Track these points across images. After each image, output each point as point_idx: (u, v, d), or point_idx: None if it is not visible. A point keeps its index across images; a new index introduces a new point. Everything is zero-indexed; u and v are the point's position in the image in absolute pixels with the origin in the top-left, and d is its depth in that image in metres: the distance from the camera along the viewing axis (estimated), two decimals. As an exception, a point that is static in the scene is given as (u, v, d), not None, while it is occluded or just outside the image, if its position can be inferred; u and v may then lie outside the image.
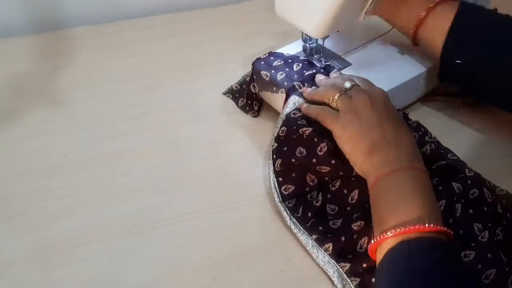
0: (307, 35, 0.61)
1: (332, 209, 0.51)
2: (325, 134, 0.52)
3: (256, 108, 0.63)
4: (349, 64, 0.63)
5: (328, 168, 0.51)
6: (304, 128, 0.53)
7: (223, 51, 0.76)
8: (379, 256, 0.41)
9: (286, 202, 0.51)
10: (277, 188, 0.52)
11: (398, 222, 0.40)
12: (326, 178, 0.52)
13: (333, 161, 0.51)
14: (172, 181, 0.56)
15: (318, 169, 0.51)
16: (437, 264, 0.38)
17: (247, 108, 0.63)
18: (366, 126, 0.48)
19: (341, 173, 0.51)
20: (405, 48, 0.65)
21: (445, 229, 0.40)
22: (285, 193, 0.52)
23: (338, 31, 0.65)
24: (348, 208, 0.50)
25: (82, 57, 0.75)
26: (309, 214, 0.50)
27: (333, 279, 0.46)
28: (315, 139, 0.52)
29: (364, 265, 0.46)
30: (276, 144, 0.54)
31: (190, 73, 0.72)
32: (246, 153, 0.59)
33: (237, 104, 0.64)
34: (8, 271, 0.48)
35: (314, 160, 0.51)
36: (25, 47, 0.77)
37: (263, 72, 0.60)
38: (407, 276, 0.37)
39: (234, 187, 0.55)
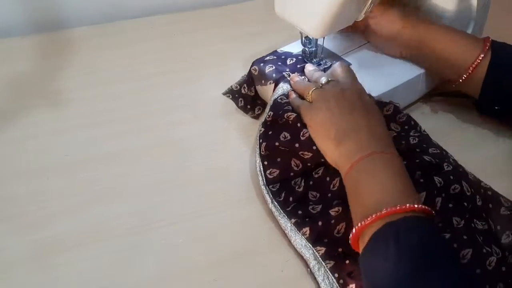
0: (306, 39, 0.61)
1: (314, 195, 0.51)
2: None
3: (258, 112, 0.63)
4: (349, 64, 0.63)
5: (310, 154, 0.52)
6: (289, 113, 0.54)
7: (223, 51, 0.76)
8: (363, 242, 0.41)
9: (270, 186, 0.52)
10: (262, 172, 0.53)
11: (378, 206, 0.40)
12: (309, 164, 0.52)
13: (314, 147, 0.52)
14: (172, 181, 0.56)
15: (301, 155, 0.52)
16: (427, 241, 0.38)
17: (248, 107, 0.63)
18: (335, 114, 0.48)
19: (323, 159, 0.52)
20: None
21: (425, 207, 0.40)
22: (270, 177, 0.53)
23: (337, 31, 0.65)
24: (329, 195, 0.50)
25: (82, 57, 0.75)
26: (291, 198, 0.51)
27: (308, 262, 0.47)
28: (299, 124, 0.53)
29: (340, 249, 0.46)
30: (263, 129, 0.55)
31: (190, 73, 0.72)
32: (246, 153, 0.59)
33: (237, 104, 0.64)
34: (8, 271, 0.48)
35: (297, 145, 0.52)
36: (25, 47, 0.77)
37: (252, 68, 0.61)
38: (400, 257, 0.37)
39: (234, 187, 0.55)
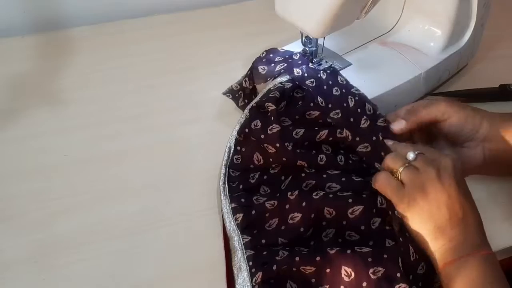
0: (306, 39, 0.61)
1: (265, 190, 0.53)
2: (286, 115, 0.54)
3: None
4: (349, 64, 0.63)
5: (274, 150, 0.53)
6: (269, 103, 0.54)
7: (223, 51, 0.76)
8: None
9: (231, 170, 0.54)
10: (231, 154, 0.55)
11: None
12: (271, 160, 0.53)
13: (277, 145, 0.53)
14: (172, 181, 0.56)
15: (266, 147, 0.53)
16: None
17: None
18: (433, 206, 0.45)
19: (284, 159, 0.52)
20: (404, 48, 0.65)
21: None
22: (235, 162, 0.55)
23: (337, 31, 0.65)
24: (278, 194, 0.51)
25: (82, 57, 0.75)
26: (241, 186, 0.53)
27: (235, 244, 0.48)
28: (272, 118, 0.54)
29: (263, 241, 0.48)
30: (248, 115, 0.56)
31: (190, 73, 0.72)
32: (246, 153, 0.59)
33: (237, 104, 0.64)
34: (8, 271, 0.48)
35: (262, 136, 0.53)
36: (25, 47, 0.77)
37: (260, 67, 0.61)
38: None
39: (234, 187, 0.55)
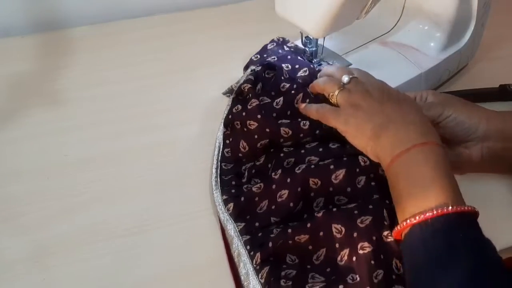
0: (306, 39, 0.61)
1: (256, 181, 0.53)
2: (264, 93, 0.57)
3: None
4: (349, 64, 0.63)
5: (256, 124, 0.54)
6: (245, 84, 0.57)
7: (223, 51, 0.76)
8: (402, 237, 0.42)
9: (223, 164, 0.55)
10: (221, 148, 0.56)
11: (416, 209, 0.41)
12: (256, 137, 0.54)
13: (259, 116, 0.54)
14: (171, 181, 0.56)
15: (249, 126, 0.54)
16: (451, 246, 0.38)
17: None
18: (368, 114, 0.48)
19: (267, 129, 0.54)
20: (404, 48, 0.65)
21: (464, 208, 0.40)
22: (226, 155, 0.56)
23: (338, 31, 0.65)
24: (268, 183, 0.52)
25: (82, 57, 0.75)
26: (233, 182, 0.54)
27: (230, 232, 0.49)
28: (250, 95, 0.56)
29: (257, 224, 0.49)
30: (230, 105, 0.58)
31: (190, 73, 0.72)
32: (246, 153, 0.59)
33: (237, 104, 0.64)
34: (8, 271, 0.48)
35: (244, 114, 0.55)
36: (25, 47, 0.77)
37: (251, 67, 0.61)
38: (420, 261, 0.39)
39: (234, 187, 0.55)
